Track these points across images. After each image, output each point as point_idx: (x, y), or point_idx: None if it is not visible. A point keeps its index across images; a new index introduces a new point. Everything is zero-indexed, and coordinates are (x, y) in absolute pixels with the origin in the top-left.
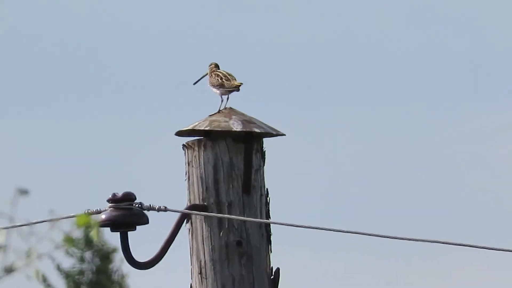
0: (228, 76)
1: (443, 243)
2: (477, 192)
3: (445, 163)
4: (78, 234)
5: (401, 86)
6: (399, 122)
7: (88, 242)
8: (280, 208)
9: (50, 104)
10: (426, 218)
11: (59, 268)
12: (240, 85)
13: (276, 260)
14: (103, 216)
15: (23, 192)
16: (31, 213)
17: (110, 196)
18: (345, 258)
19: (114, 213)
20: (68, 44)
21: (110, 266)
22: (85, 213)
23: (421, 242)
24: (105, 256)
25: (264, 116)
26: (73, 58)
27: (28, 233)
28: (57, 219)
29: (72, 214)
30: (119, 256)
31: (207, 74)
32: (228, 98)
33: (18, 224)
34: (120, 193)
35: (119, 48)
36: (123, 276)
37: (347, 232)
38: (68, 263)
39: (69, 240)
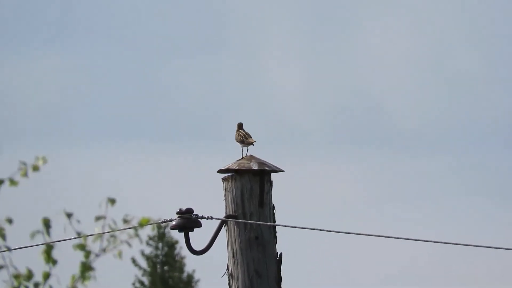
0: (247, 136)
1: None
2: None
3: None
4: (154, 232)
5: None
6: None
7: (160, 236)
8: (282, 215)
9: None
10: None
11: (142, 253)
12: (253, 143)
13: (280, 247)
14: (173, 222)
15: (112, 200)
16: (117, 216)
17: (178, 210)
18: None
19: (180, 221)
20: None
21: (174, 251)
22: (161, 221)
23: None
24: (170, 245)
25: (271, 158)
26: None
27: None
28: (132, 226)
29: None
30: (180, 246)
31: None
32: (247, 149)
33: (107, 230)
34: (184, 208)
35: None
36: (182, 258)
37: (331, 231)
38: (148, 250)
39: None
